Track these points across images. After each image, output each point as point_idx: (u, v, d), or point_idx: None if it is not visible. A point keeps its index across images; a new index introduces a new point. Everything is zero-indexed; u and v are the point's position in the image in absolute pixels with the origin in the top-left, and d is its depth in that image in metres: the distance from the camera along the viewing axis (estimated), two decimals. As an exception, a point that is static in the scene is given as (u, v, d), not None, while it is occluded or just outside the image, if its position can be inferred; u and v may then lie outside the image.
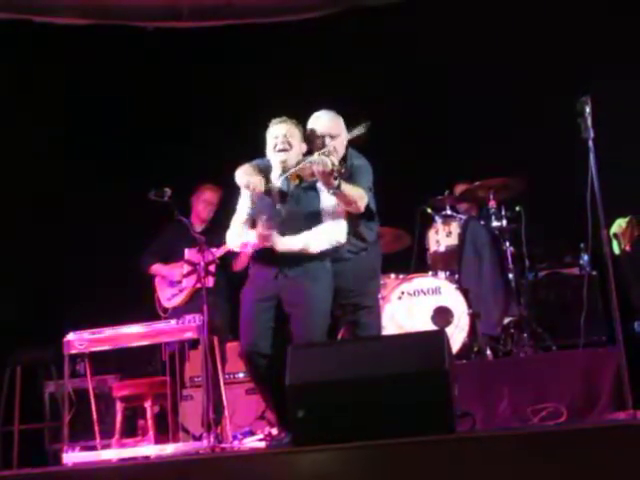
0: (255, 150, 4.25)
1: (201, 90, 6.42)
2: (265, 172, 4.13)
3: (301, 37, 6.34)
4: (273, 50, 6.34)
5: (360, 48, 6.28)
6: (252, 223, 4.11)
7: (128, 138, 6.33)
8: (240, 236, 4.10)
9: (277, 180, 4.07)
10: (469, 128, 6.14)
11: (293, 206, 4.04)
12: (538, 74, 6.04)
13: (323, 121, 4.25)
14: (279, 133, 4.09)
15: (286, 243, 3.98)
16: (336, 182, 3.89)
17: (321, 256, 4.03)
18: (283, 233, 3.98)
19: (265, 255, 4.02)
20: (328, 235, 4.03)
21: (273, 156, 4.12)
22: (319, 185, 4.04)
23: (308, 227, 4.01)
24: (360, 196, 4.06)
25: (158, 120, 6.33)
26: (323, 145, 4.14)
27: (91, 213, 6.08)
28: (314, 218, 4.03)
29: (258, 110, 4.47)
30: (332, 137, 4.18)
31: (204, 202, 5.52)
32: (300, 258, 3.97)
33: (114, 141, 6.30)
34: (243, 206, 4.17)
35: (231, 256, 5.06)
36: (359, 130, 4.10)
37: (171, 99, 6.34)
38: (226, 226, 4.23)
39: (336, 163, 3.91)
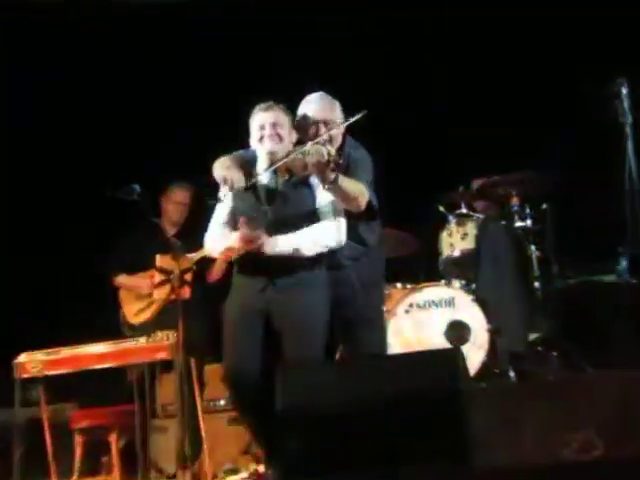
0: (240, 141, 4.23)
1: (176, 72, 6.42)
2: (249, 165, 4.10)
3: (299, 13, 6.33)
4: (262, 26, 6.34)
5: (367, 31, 6.27)
6: (234, 223, 4.08)
7: (91, 129, 6.33)
8: (221, 239, 4.08)
9: (263, 175, 4.04)
10: (488, 114, 6.14)
11: (281, 206, 4.01)
12: (567, 51, 6.05)
13: (316, 106, 4.23)
14: (266, 121, 4.06)
15: (277, 244, 3.96)
16: (333, 175, 3.86)
17: (316, 263, 4.01)
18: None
19: (250, 263, 4.00)
20: (325, 235, 4.01)
21: (259, 148, 4.09)
22: (313, 180, 4.01)
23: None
24: (361, 192, 4.04)
25: (122, 107, 6.31)
26: (317, 134, 4.12)
27: (45, 213, 6.07)
28: (307, 219, 4.01)
29: (242, 95, 4.45)
30: (327, 124, 4.17)
31: (174, 203, 5.52)
32: (292, 266, 3.95)
33: (77, 134, 6.30)
34: (223, 204, 4.15)
35: (206, 263, 5.05)
36: (356, 117, 4.06)
37: (138, 78, 6.34)
38: (202, 229, 4.21)
39: (333, 153, 3.88)
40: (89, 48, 6.31)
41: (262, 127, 4.06)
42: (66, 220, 6.06)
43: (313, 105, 4.24)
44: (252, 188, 4.04)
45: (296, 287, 3.96)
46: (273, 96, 4.17)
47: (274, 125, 4.05)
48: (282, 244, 3.97)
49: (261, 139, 4.06)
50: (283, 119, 4.08)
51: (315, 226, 4.01)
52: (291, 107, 4.21)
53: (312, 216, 4.03)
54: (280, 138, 4.05)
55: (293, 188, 4.04)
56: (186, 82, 6.36)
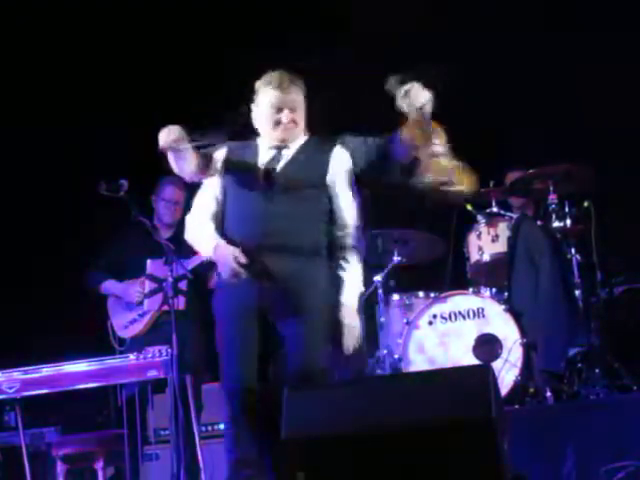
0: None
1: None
2: (245, 156, 4.04)
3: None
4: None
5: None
6: (220, 222, 4.04)
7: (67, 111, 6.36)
8: (204, 238, 4.00)
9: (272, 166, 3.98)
10: (523, 100, 6.15)
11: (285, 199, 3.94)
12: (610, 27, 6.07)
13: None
14: (285, 105, 3.95)
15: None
16: None
17: (321, 249, 3.97)
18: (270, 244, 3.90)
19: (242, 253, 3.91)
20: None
21: (269, 133, 4.00)
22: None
23: (309, 227, 3.93)
24: None
25: (107, 90, 6.35)
26: None
27: (21, 213, 6.10)
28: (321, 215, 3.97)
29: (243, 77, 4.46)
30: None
31: (166, 201, 5.53)
32: (292, 255, 3.88)
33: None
34: (209, 190, 4.06)
35: (206, 269, 5.06)
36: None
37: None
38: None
39: None
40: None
41: (279, 109, 3.95)
42: (44, 222, 6.10)
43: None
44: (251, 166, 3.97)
45: (298, 281, 3.89)
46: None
47: (295, 109, 3.96)
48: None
49: (277, 124, 3.96)
50: (301, 100, 4.00)
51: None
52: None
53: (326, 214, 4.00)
54: (296, 125, 3.98)
55: (304, 159, 3.99)
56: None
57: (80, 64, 6.37)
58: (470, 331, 5.37)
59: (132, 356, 4.60)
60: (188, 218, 4.13)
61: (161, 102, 6.32)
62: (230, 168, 4.02)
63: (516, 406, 5.08)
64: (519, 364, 5.21)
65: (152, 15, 6.45)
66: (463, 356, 5.30)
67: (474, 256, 5.68)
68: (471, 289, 5.60)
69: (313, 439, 3.44)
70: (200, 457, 4.90)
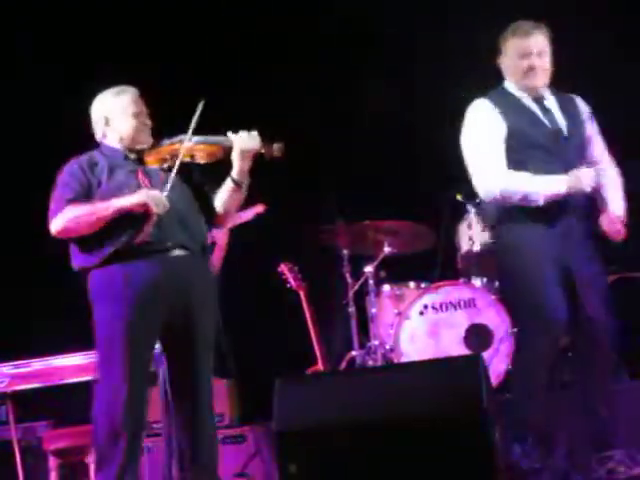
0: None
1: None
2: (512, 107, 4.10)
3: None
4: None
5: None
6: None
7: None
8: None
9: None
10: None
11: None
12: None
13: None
14: (530, 46, 4.08)
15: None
16: None
17: None
18: None
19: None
20: None
21: (522, 82, 4.09)
22: None
23: None
24: None
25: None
26: None
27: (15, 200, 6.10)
28: None
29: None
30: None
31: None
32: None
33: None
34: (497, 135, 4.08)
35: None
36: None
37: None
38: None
39: None
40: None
41: (526, 56, 4.08)
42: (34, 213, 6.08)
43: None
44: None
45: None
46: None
47: (539, 55, 4.09)
48: None
49: (527, 71, 4.08)
50: (546, 45, 4.14)
51: None
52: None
53: None
54: (545, 71, 4.16)
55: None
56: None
57: (79, 61, 6.37)
58: (461, 321, 5.38)
59: (123, 349, 4.58)
60: (495, 171, 4.11)
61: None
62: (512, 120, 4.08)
63: (507, 395, 5.09)
64: (510, 354, 5.21)
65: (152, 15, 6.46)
66: (454, 346, 5.31)
67: (465, 246, 5.68)
68: (462, 279, 5.61)
69: (305, 431, 3.45)
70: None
